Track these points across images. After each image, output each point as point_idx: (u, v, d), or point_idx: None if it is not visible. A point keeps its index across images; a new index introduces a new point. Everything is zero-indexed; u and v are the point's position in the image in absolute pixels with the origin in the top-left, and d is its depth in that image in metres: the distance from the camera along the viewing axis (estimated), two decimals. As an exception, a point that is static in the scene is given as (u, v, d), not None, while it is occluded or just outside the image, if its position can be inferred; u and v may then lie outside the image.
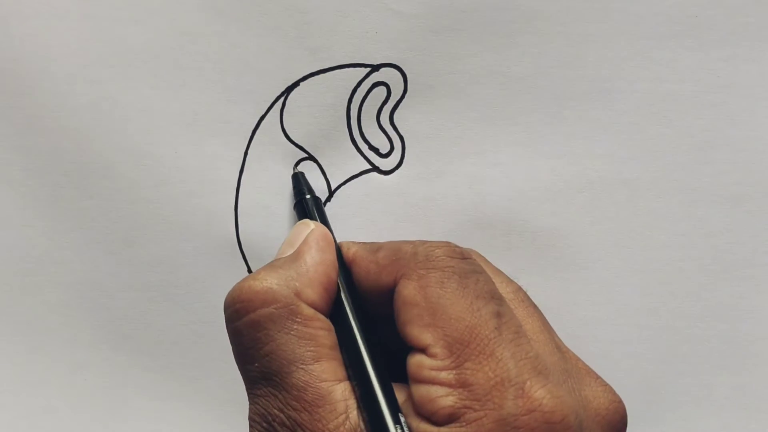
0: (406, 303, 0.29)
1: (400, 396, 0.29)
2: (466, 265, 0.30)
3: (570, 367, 0.30)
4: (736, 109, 0.39)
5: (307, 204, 0.36)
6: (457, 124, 0.39)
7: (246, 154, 0.39)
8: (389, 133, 0.39)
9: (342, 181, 0.39)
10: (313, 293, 0.30)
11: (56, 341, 0.40)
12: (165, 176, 0.39)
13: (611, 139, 0.39)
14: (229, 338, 0.31)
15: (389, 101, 0.39)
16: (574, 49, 0.38)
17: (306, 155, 0.39)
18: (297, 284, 0.30)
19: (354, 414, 0.28)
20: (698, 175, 0.39)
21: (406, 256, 0.30)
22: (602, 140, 0.39)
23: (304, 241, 0.32)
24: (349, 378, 0.29)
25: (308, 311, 0.30)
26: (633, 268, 0.39)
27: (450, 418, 0.27)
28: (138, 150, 0.39)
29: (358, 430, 0.28)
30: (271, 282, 0.30)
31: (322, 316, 0.30)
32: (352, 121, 0.39)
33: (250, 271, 0.39)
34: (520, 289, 0.32)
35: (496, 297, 0.30)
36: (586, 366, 0.31)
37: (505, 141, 0.39)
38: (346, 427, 0.28)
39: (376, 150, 0.39)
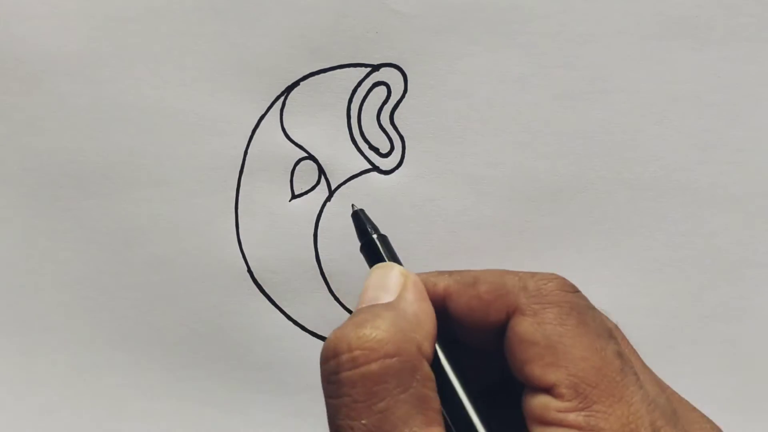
0: (523, 341, 0.28)
1: None
2: (579, 299, 0.29)
3: (676, 406, 0.29)
4: (735, 109, 0.39)
5: (378, 244, 0.34)
6: (457, 124, 0.39)
7: (246, 154, 0.39)
8: (389, 133, 0.39)
9: (342, 181, 0.39)
10: (429, 348, 0.29)
11: (56, 341, 0.40)
12: (165, 176, 0.39)
13: (611, 139, 0.39)
14: (332, 388, 0.28)
15: (389, 101, 0.39)
16: (574, 49, 0.38)
17: (306, 155, 0.39)
18: (417, 337, 0.28)
19: None
20: (698, 175, 0.39)
21: (514, 290, 0.29)
22: (602, 140, 0.39)
23: (406, 288, 0.30)
24: None
25: (427, 369, 0.28)
26: (633, 268, 0.39)
27: None
28: (138, 150, 0.39)
29: None
30: (392, 332, 0.27)
31: (433, 375, 0.28)
32: (352, 120, 0.39)
33: (250, 270, 0.39)
34: (617, 326, 0.31)
35: (612, 336, 0.29)
36: (685, 400, 0.30)
37: (505, 141, 0.39)
38: None
39: (376, 150, 0.39)
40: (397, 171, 0.39)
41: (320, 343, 0.38)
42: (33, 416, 0.40)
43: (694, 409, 0.30)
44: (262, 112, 0.39)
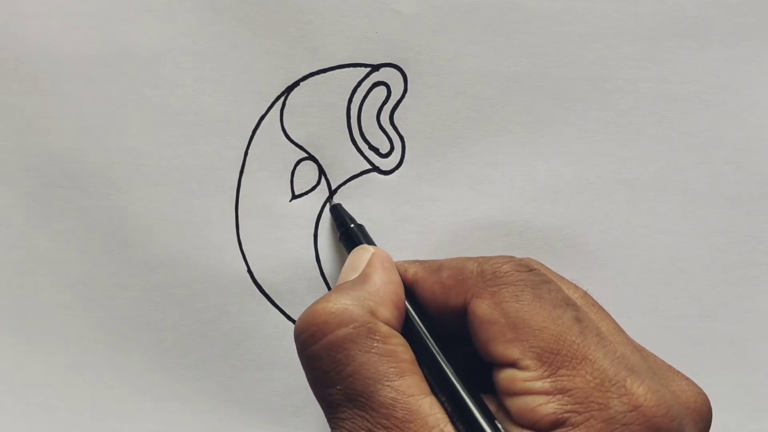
0: (483, 322, 0.29)
1: (491, 407, 0.29)
2: (534, 276, 0.30)
3: (652, 365, 0.30)
4: (736, 109, 0.39)
5: (355, 232, 0.37)
6: (457, 124, 0.39)
7: (246, 154, 0.39)
8: (389, 133, 0.39)
9: (342, 181, 0.39)
10: (387, 311, 0.31)
11: (56, 341, 0.40)
12: (165, 176, 0.39)
13: (611, 139, 0.39)
14: (305, 364, 0.30)
15: (389, 101, 0.39)
16: (574, 49, 0.38)
17: (306, 155, 0.39)
18: (371, 303, 0.30)
19: (448, 428, 0.28)
20: (698, 175, 0.39)
21: (472, 276, 0.31)
22: (602, 140, 0.39)
23: (369, 263, 0.33)
24: (434, 392, 0.29)
25: (385, 329, 0.30)
26: (633, 268, 0.39)
27: (554, 425, 0.27)
28: (138, 150, 0.39)
29: None
30: (345, 302, 0.30)
31: (397, 333, 0.30)
32: (352, 121, 0.39)
33: (249, 270, 0.39)
34: (586, 293, 0.32)
35: (570, 303, 0.30)
36: (664, 362, 0.31)
37: (505, 141, 0.39)
38: None
39: (376, 150, 0.39)
40: (397, 171, 0.39)
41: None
42: (33, 416, 0.40)
43: (673, 368, 0.31)
44: (262, 112, 0.39)
